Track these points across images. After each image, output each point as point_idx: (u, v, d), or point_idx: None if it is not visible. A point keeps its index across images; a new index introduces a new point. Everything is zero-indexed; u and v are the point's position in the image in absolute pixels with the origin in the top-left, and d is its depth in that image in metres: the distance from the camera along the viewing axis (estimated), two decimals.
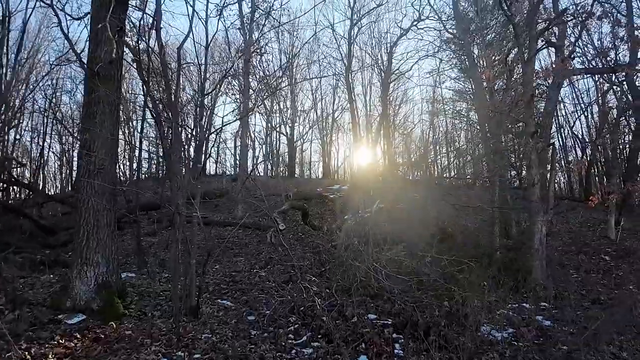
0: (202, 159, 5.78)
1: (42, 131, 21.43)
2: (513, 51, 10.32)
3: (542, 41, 8.71)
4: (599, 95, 17.57)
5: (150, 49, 8.50)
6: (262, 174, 24.20)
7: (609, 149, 15.60)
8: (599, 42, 15.79)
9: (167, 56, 9.01)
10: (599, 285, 8.51)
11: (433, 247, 8.16)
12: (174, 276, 6.12)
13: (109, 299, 6.52)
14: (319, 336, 5.31)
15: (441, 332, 4.99)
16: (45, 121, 22.05)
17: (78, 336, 5.53)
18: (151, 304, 6.84)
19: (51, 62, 17.61)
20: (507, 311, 6.85)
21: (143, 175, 28.97)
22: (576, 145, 20.19)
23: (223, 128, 27.38)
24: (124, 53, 7.50)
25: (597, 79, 16.85)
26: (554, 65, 9.22)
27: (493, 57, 10.59)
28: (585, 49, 14.48)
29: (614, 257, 10.49)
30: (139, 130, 26.52)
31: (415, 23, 20.29)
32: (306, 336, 5.35)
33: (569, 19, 8.02)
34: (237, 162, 21.49)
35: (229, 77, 17.27)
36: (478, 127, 14.53)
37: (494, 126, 10.07)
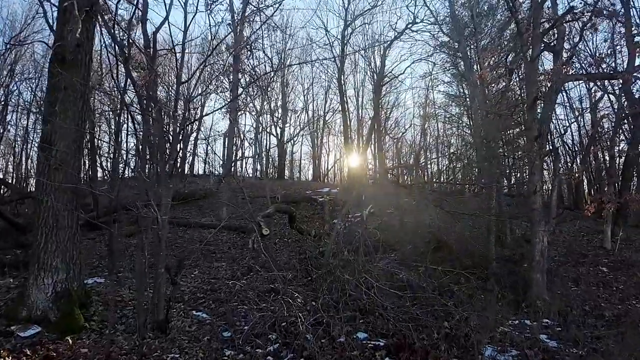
0: (176, 155, 5.06)
1: (25, 125, 20.33)
2: (512, 53, 9.71)
3: (542, 45, 8.14)
4: (592, 103, 17.20)
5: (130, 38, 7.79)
6: (250, 174, 23.39)
7: (606, 157, 15.18)
8: (594, 50, 15.50)
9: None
10: (602, 300, 7.94)
11: (427, 256, 7.52)
12: (139, 286, 5.36)
13: (68, 309, 5.76)
14: (302, 359, 4.60)
15: (440, 357, 4.31)
16: (29, 115, 21.02)
17: (28, 353, 4.80)
18: (116, 316, 6.07)
19: (6, 42, 16.48)
20: (508, 329, 6.22)
21: (132, 173, 28.07)
22: (566, 153, 19.82)
23: (205, 124, 26.64)
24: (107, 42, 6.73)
25: (590, 86, 16.47)
26: (551, 69, 8.69)
27: (491, 60, 10.05)
28: (582, 55, 14.08)
29: (612, 268, 9.97)
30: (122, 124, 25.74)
31: (409, 25, 19.79)
32: (287, 359, 4.63)
33: (576, 17, 7.45)
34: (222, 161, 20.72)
35: (219, 74, 16.54)
36: (470, 132, 14.01)
37: (492, 130, 9.49)
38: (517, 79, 11.17)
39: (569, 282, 9.11)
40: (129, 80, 7.81)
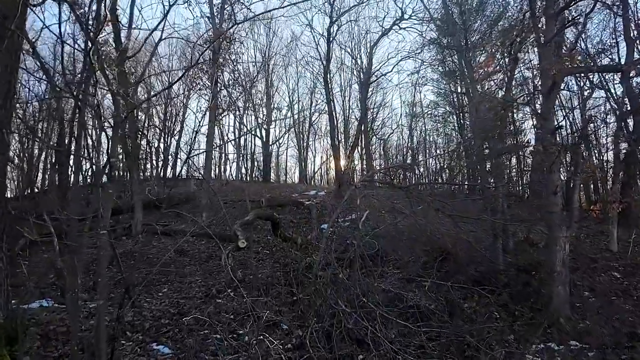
0: (114, 152, 3.82)
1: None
2: (515, 41, 8.62)
3: (556, 26, 7.07)
4: (581, 100, 16.40)
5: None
6: (233, 177, 22.03)
7: (604, 157, 14.33)
8: (586, 44, 14.65)
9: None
10: (627, 313, 6.87)
11: (432, 269, 6.37)
12: (72, 321, 4.04)
13: None
14: None
15: None
16: None
17: None
18: (54, 355, 4.74)
19: None
20: (533, 357, 5.10)
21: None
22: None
23: (188, 125, 25.18)
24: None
25: (583, 83, 15.66)
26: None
27: (493, 48, 9.00)
28: (579, 48, 13.18)
29: (625, 274, 8.95)
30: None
31: (397, 22, 18.74)
32: None
33: None
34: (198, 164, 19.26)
35: (197, 70, 15.19)
36: (466, 129, 12.97)
37: (492, 125, 8.39)
38: (521, 70, 10.17)
39: (584, 291, 8.07)
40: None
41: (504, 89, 8.84)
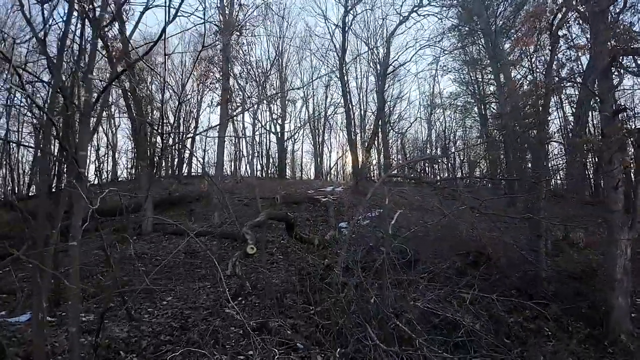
0: (83, 144, 3.10)
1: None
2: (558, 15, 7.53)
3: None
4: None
5: None
6: (247, 174, 21.35)
7: None
8: None
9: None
10: None
11: (469, 275, 5.46)
12: (36, 350, 3.31)
13: None
14: None
15: None
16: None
17: None
18: None
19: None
20: None
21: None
22: None
23: (202, 122, 24.63)
24: None
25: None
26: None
27: (533, 24, 7.93)
28: None
29: None
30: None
31: (416, 9, 17.62)
32: None
33: None
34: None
35: (207, 63, 14.47)
36: (496, 119, 11.90)
37: (533, 113, 7.38)
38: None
39: (636, 298, 7.03)
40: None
41: (543, 71, 7.78)
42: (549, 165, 11.49)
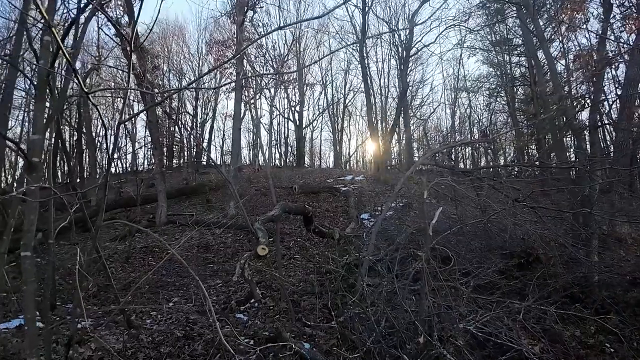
0: (38, 127, 2.44)
1: None
2: None
3: None
4: None
5: None
6: (263, 163, 20.67)
7: None
8: None
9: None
10: None
11: (516, 278, 4.60)
12: None
13: None
14: None
15: None
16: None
17: None
18: None
19: None
20: None
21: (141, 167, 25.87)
22: None
23: (220, 111, 24.06)
24: None
25: None
26: None
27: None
28: None
29: None
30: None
31: None
32: None
33: None
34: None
35: (221, 47, 13.73)
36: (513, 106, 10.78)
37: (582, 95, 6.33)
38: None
39: None
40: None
41: (596, 44, 6.69)
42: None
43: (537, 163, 8.56)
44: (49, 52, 2.35)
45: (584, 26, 7.39)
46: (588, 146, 10.54)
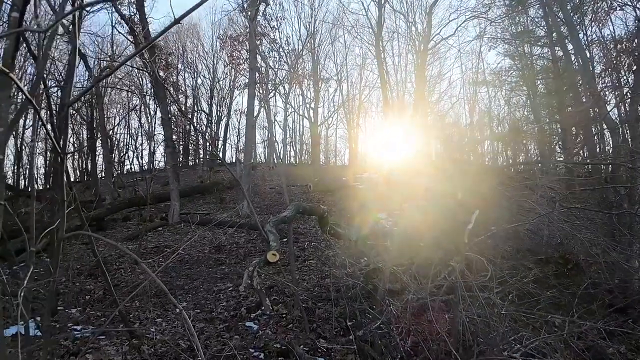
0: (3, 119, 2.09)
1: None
2: None
3: None
4: None
5: None
6: (277, 161, 20.33)
7: None
8: None
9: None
10: None
11: (559, 293, 4.08)
12: None
13: None
14: None
15: None
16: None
17: None
18: None
19: None
20: None
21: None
22: None
23: (236, 109, 23.84)
24: None
25: None
26: None
27: None
28: None
29: None
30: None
31: None
32: None
33: None
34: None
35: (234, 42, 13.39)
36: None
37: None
38: None
39: None
40: None
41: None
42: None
43: (586, 160, 7.84)
44: (15, 33, 1.99)
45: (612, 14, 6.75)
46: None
